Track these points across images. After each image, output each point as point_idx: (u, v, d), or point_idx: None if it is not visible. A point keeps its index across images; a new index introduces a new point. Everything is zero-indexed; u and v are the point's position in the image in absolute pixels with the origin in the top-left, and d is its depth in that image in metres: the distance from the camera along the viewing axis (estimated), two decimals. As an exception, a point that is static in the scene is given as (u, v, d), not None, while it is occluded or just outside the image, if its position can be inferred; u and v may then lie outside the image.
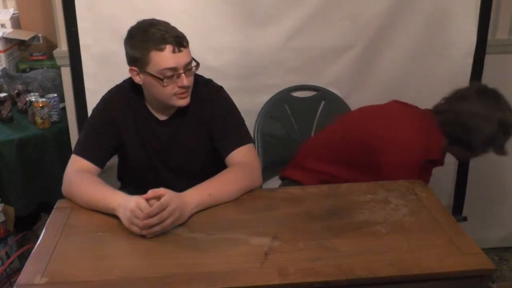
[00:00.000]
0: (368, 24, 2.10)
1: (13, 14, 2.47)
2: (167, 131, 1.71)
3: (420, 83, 2.20)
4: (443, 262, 1.29)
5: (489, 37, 2.22)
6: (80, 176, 1.59)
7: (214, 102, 1.70)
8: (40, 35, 2.47)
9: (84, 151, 1.65)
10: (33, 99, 2.23)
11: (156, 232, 1.37)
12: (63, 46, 2.20)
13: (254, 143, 1.99)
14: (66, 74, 2.22)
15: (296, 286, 1.22)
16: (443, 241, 1.36)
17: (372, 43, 2.13)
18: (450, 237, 1.37)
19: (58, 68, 2.28)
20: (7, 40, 2.40)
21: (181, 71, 1.57)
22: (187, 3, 2.05)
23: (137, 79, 1.62)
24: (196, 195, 1.49)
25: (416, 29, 2.15)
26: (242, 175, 1.60)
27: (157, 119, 1.71)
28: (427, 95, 2.17)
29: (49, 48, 2.45)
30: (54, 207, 1.56)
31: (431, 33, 2.16)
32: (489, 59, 2.25)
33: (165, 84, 1.56)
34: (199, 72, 2.15)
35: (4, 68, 2.37)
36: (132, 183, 1.84)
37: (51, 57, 2.37)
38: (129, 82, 1.71)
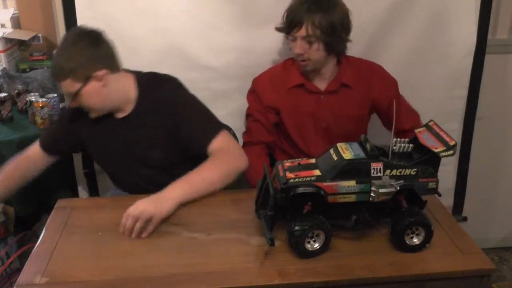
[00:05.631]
0: (368, 24, 2.10)
1: (13, 14, 2.46)
2: (125, 128, 1.73)
3: (420, 83, 2.20)
4: (443, 262, 1.29)
5: (489, 37, 2.22)
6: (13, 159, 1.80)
7: (173, 106, 1.70)
8: (40, 35, 2.47)
9: (40, 138, 1.82)
10: (33, 99, 2.23)
11: (137, 232, 1.41)
12: (63, 46, 2.19)
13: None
14: (66, 74, 2.22)
15: (296, 286, 1.23)
16: (443, 241, 1.36)
17: (372, 43, 2.13)
18: (450, 237, 1.37)
19: (58, 68, 2.27)
20: (7, 40, 2.39)
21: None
22: (187, 3, 2.05)
23: None
24: (175, 188, 1.52)
25: (416, 29, 2.15)
26: (221, 160, 1.62)
27: (115, 117, 1.74)
28: (427, 95, 2.18)
29: (49, 48, 2.45)
30: (54, 207, 1.57)
31: (431, 33, 2.16)
32: (489, 59, 2.25)
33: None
34: (199, 71, 2.16)
35: (4, 68, 2.37)
36: (118, 182, 1.86)
37: (51, 57, 2.37)
38: None
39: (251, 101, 2.01)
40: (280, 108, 1.95)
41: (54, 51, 1.66)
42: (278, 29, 1.90)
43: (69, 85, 1.61)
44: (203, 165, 1.60)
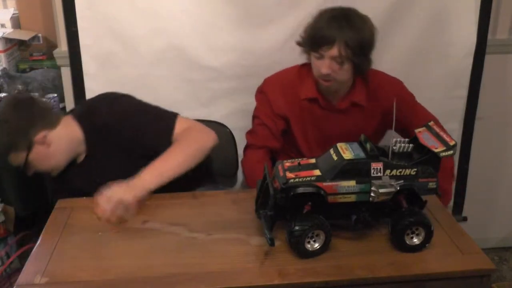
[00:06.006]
0: (368, 24, 2.10)
1: (13, 14, 2.46)
2: (89, 170, 1.72)
3: (420, 83, 2.20)
4: (443, 262, 1.29)
5: (489, 37, 2.22)
6: None
7: (118, 123, 1.68)
8: (40, 35, 2.47)
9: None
10: (33, 99, 2.23)
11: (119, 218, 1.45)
12: (63, 46, 2.20)
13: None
14: (66, 74, 2.22)
15: (296, 286, 1.22)
16: (443, 241, 1.36)
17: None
18: (450, 237, 1.37)
19: (58, 68, 2.28)
20: (7, 40, 2.39)
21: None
22: (187, 3, 2.05)
23: None
24: (146, 175, 1.54)
25: (416, 29, 2.15)
26: (184, 142, 1.63)
27: (77, 162, 1.74)
28: (427, 95, 2.18)
29: (49, 48, 2.44)
30: (54, 207, 1.57)
31: (431, 33, 2.16)
32: (489, 59, 2.25)
33: None
34: (199, 71, 2.15)
35: (4, 68, 2.37)
36: None
37: (51, 57, 2.37)
38: None
39: (260, 103, 1.92)
40: (289, 117, 1.87)
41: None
42: (300, 44, 1.80)
43: (16, 158, 1.62)
44: (169, 150, 1.61)
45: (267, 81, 1.92)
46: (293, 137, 1.92)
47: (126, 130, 1.67)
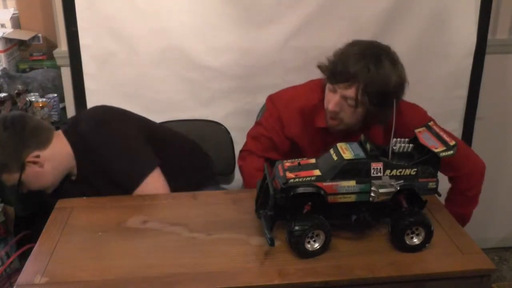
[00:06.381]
0: (368, 24, 2.10)
1: (13, 14, 2.46)
2: (83, 187, 1.72)
3: (420, 83, 2.19)
4: (443, 262, 1.29)
5: (489, 37, 2.23)
6: None
7: (97, 148, 1.66)
8: (40, 35, 2.47)
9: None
10: (33, 99, 2.23)
11: None
12: (63, 46, 2.20)
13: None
14: (66, 74, 2.22)
15: (296, 286, 1.22)
16: (443, 241, 1.36)
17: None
18: (450, 237, 1.37)
19: (58, 68, 2.28)
20: (7, 40, 2.39)
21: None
22: (187, 3, 2.05)
23: None
24: None
25: (416, 29, 2.15)
26: None
27: (71, 178, 1.74)
28: (427, 95, 2.19)
29: (49, 48, 2.45)
30: (54, 207, 1.57)
31: (431, 33, 2.16)
32: (489, 59, 2.25)
33: None
34: (199, 71, 2.16)
35: (4, 68, 2.37)
36: None
37: (51, 57, 2.37)
38: None
39: (271, 114, 1.80)
40: (299, 143, 1.78)
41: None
42: (320, 68, 1.63)
43: (9, 179, 1.62)
44: None
45: (282, 97, 1.81)
46: (304, 153, 1.79)
47: (102, 158, 1.65)
